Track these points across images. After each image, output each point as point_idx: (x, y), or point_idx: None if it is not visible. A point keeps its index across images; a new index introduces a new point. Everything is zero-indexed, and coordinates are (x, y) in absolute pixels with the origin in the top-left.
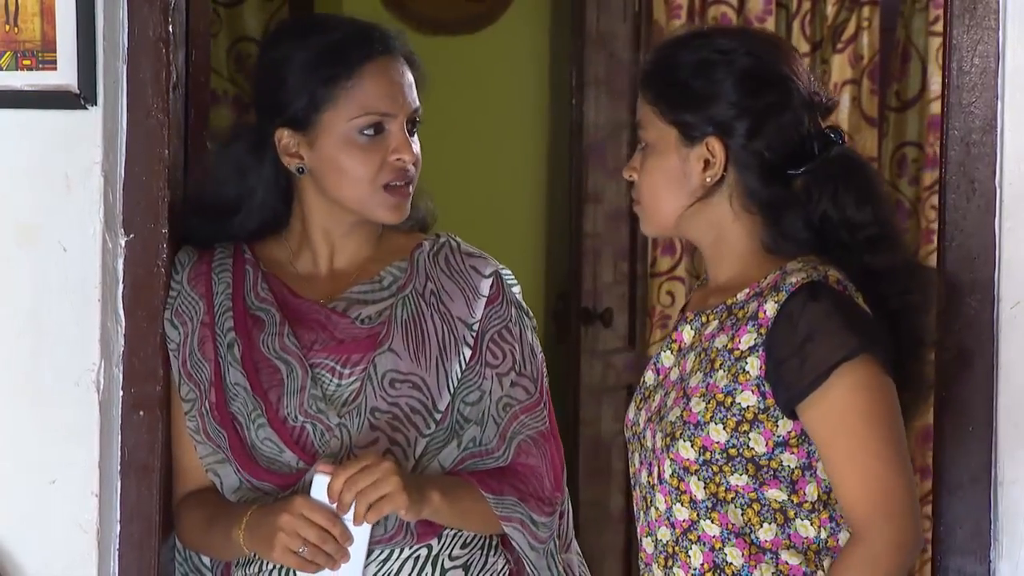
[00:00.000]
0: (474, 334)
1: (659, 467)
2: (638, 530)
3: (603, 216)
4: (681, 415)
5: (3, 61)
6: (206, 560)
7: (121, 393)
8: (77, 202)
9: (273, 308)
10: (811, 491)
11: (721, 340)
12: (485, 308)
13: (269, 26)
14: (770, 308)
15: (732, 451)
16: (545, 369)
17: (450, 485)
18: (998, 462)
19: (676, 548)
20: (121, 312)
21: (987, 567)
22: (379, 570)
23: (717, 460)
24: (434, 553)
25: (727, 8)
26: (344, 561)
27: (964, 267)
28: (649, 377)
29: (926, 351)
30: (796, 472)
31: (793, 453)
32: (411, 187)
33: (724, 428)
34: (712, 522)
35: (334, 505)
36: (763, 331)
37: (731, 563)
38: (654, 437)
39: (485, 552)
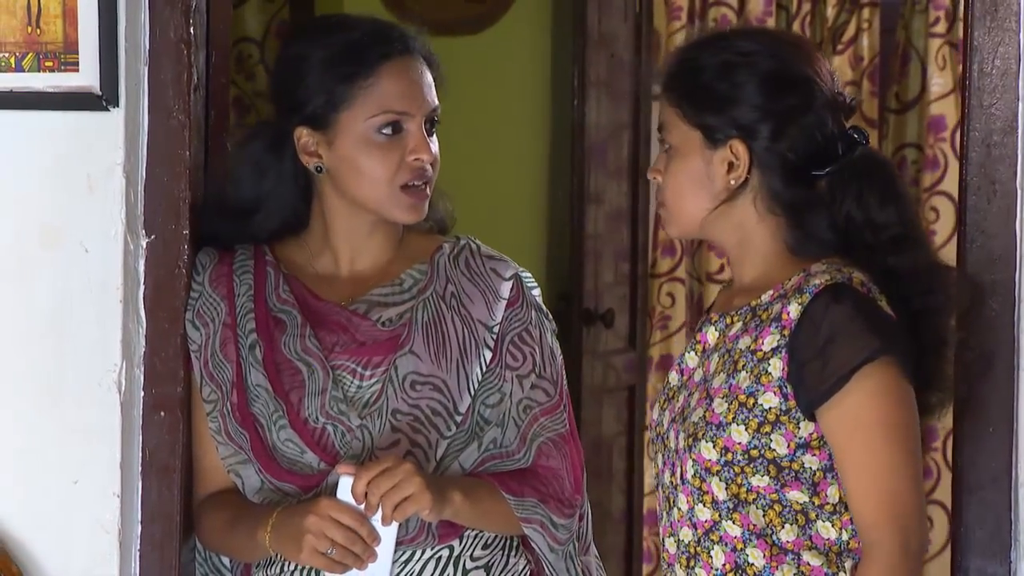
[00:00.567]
0: (494, 336)
1: (682, 467)
2: (660, 530)
3: (604, 217)
4: (704, 416)
5: (25, 63)
6: (226, 561)
7: (142, 394)
8: (99, 203)
9: (295, 310)
10: (832, 493)
11: (744, 341)
12: (505, 311)
13: (270, 27)
14: (793, 310)
15: (754, 452)
16: (564, 371)
17: (471, 486)
18: (1018, 463)
19: (698, 548)
20: (142, 313)
21: (1007, 568)
22: (401, 571)
23: (739, 461)
24: (456, 554)
25: (727, 9)
26: (371, 561)
27: (985, 269)
28: (673, 378)
29: (949, 351)
30: (818, 474)
31: (815, 455)
32: (429, 187)
33: (746, 429)
34: (734, 523)
35: (361, 506)
36: (786, 333)
37: (753, 564)
38: (677, 438)
39: (506, 553)
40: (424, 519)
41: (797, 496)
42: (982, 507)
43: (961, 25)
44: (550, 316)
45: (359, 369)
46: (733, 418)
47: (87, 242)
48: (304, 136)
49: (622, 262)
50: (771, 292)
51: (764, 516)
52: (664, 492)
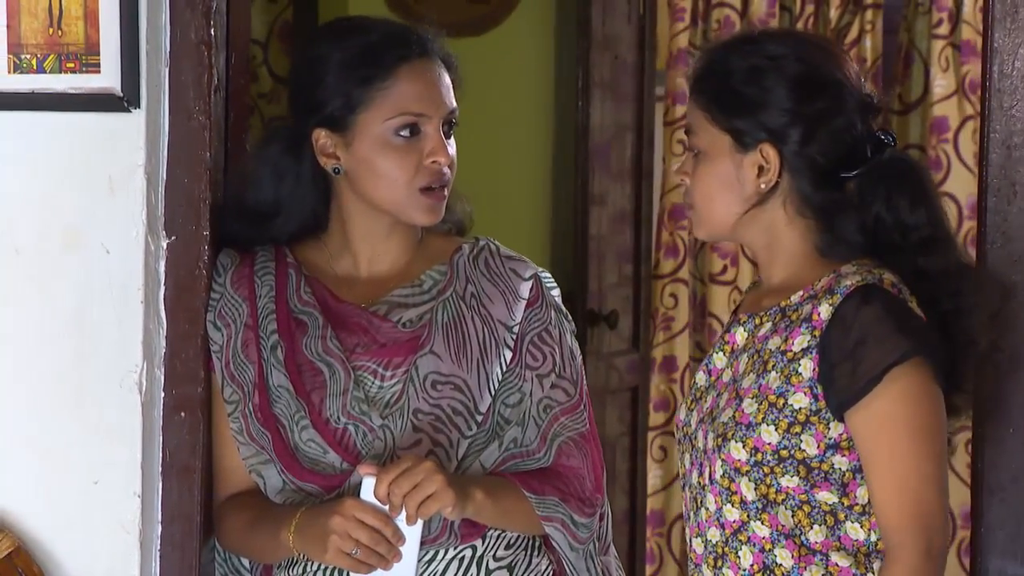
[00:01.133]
0: (514, 336)
1: (710, 468)
2: (688, 531)
3: (607, 218)
4: (733, 416)
5: (47, 64)
6: (246, 562)
7: (163, 395)
8: (120, 204)
9: (316, 311)
10: (862, 494)
11: (774, 342)
12: (525, 311)
13: (273, 28)
14: (824, 311)
15: (783, 452)
16: (584, 371)
17: (492, 484)
18: None
19: (726, 549)
20: (163, 314)
21: None
22: (424, 571)
23: (768, 461)
24: (479, 554)
25: (730, 11)
26: (396, 561)
27: (1007, 270)
28: (701, 378)
29: (978, 353)
30: (847, 475)
31: (844, 456)
32: (446, 189)
33: (776, 429)
34: (762, 523)
35: (385, 507)
36: (817, 333)
37: (781, 564)
38: (706, 438)
39: (529, 553)
40: (447, 517)
41: (826, 497)
42: (1003, 508)
43: (964, 27)
44: (569, 316)
45: (380, 370)
46: (763, 418)
47: (108, 243)
48: (322, 138)
49: (625, 263)
50: (801, 293)
51: (793, 517)
52: (692, 492)
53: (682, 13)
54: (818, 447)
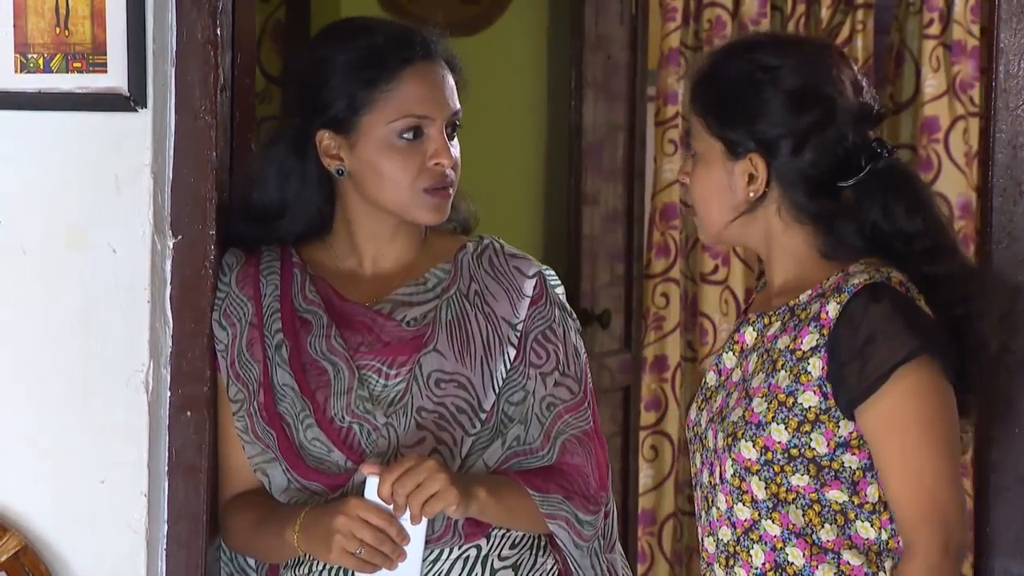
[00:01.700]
0: (518, 334)
1: (721, 467)
2: (699, 530)
3: (599, 218)
4: (743, 415)
5: (54, 64)
6: (251, 561)
7: (169, 394)
8: (126, 204)
9: (320, 310)
10: (872, 492)
11: (783, 341)
12: (529, 308)
13: (265, 28)
14: (832, 309)
15: (794, 451)
16: (588, 369)
17: (496, 483)
18: None
19: (737, 548)
20: (169, 313)
21: None
22: (429, 571)
23: (779, 460)
24: (483, 553)
25: (722, 11)
26: (401, 560)
27: (1013, 270)
28: (711, 378)
29: (989, 355)
30: (857, 473)
31: (855, 454)
32: (452, 189)
33: (786, 428)
34: (773, 522)
35: (389, 506)
36: (825, 332)
37: (792, 563)
38: (716, 437)
39: (534, 552)
40: (450, 516)
41: (837, 496)
42: (1008, 508)
43: (955, 27)
44: (574, 315)
45: (384, 368)
46: (773, 417)
47: (114, 243)
48: (326, 139)
49: (617, 263)
50: (809, 292)
51: (803, 516)
52: (703, 492)
53: (674, 13)
54: (828, 446)
